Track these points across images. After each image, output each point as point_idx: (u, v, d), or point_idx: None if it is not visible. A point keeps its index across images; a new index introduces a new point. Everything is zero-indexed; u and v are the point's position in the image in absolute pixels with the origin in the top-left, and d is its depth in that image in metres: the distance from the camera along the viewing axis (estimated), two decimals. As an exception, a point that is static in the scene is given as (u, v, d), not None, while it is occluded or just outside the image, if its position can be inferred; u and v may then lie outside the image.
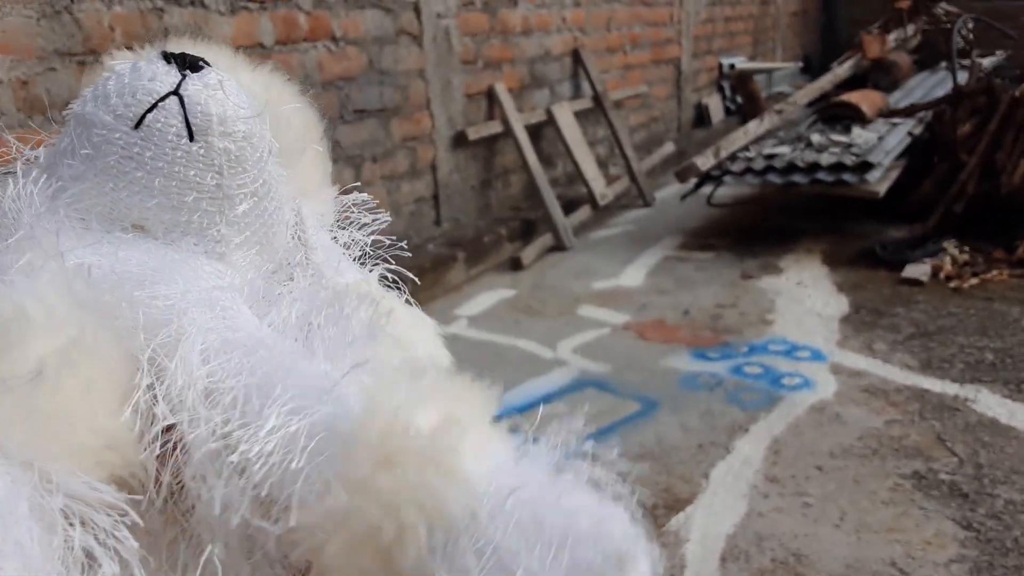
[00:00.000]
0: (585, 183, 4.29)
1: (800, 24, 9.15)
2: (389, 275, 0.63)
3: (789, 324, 3.05)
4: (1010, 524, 1.85)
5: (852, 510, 1.93)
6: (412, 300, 0.62)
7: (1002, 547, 1.77)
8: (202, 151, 0.49)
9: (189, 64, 0.49)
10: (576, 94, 4.73)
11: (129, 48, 0.60)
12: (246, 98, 0.51)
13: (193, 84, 0.50)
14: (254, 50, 2.72)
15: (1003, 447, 2.16)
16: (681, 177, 3.92)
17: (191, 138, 0.49)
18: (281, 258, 0.54)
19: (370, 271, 0.63)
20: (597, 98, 4.68)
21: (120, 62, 0.53)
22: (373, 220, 0.63)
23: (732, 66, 6.66)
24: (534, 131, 4.23)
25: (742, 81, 5.83)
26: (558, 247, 3.95)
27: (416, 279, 0.65)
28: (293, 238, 0.55)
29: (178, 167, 0.48)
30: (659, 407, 2.46)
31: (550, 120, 4.26)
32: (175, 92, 0.49)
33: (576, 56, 4.65)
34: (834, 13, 10.01)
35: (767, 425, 2.33)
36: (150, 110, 0.48)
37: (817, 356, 2.77)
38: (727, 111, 6.77)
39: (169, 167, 0.48)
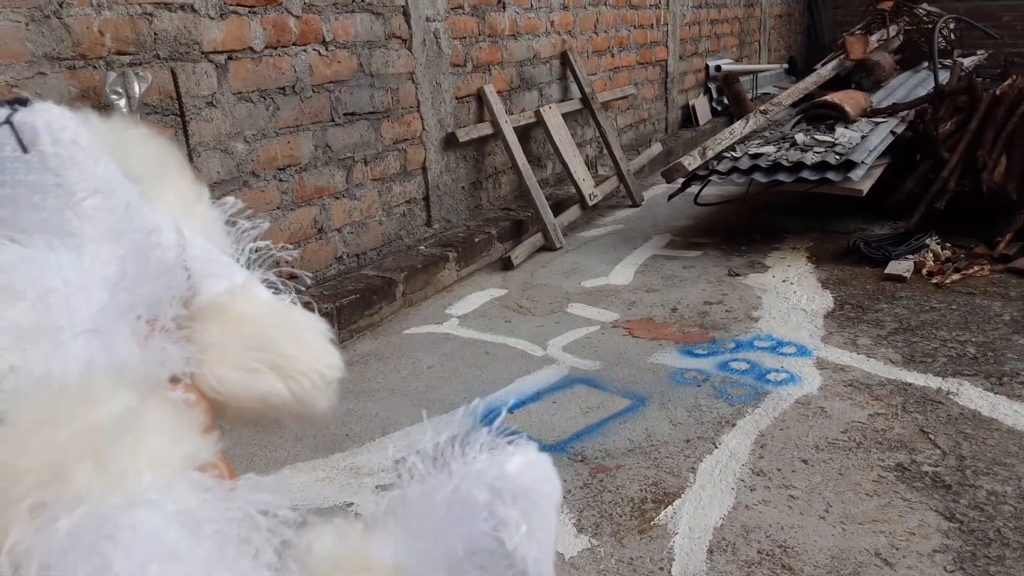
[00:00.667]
0: (574, 183, 4.33)
1: (785, 26, 9.24)
2: (280, 277, 0.64)
3: (775, 320, 3.09)
4: (992, 515, 1.89)
5: (837, 502, 1.97)
6: (309, 302, 0.64)
7: (984, 538, 1.82)
8: (36, 158, 0.56)
9: (18, 102, 0.57)
10: (564, 96, 4.77)
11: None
12: (70, 115, 0.58)
13: (20, 114, 0.57)
14: (244, 54, 2.74)
15: (985, 439, 2.21)
16: (668, 177, 3.96)
17: (24, 151, 0.56)
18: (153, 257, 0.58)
19: (259, 274, 0.65)
20: (585, 99, 4.73)
21: None
22: (253, 226, 0.67)
23: (718, 68, 6.72)
24: (523, 132, 4.27)
25: (728, 82, 5.88)
26: (548, 247, 3.98)
27: (307, 275, 0.68)
28: (172, 246, 0.59)
29: (19, 175, 0.56)
30: (648, 403, 2.50)
31: (539, 121, 4.30)
32: (6, 122, 0.56)
33: (564, 58, 4.69)
34: (818, 15, 10.12)
35: (753, 419, 2.37)
36: None
37: (802, 351, 2.81)
38: (714, 112, 6.84)
39: (12, 177, 0.56)
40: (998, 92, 4.34)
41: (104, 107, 2.22)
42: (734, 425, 2.35)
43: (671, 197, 4.40)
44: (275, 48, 2.86)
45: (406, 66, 3.48)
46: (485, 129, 3.93)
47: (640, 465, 2.17)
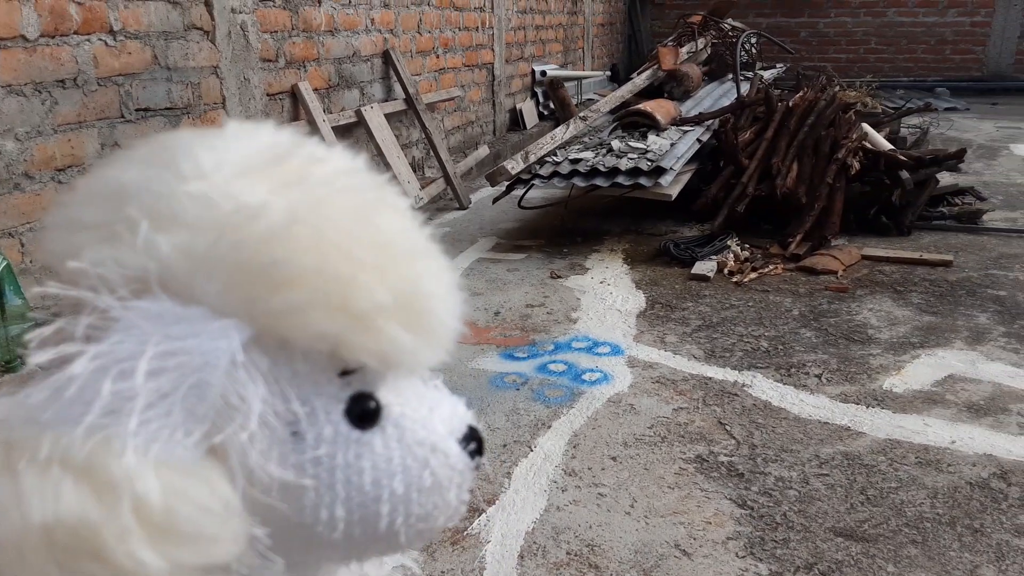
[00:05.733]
0: (399, 185, 4.24)
1: (607, 35, 9.65)
2: None
3: (592, 321, 3.19)
4: (779, 500, 2.03)
5: (642, 496, 2.04)
6: None
7: (772, 522, 1.94)
8: None
9: None
10: (388, 96, 4.68)
11: None
12: None
13: None
14: (15, 43, 2.44)
15: (774, 428, 2.38)
16: (492, 180, 3.99)
17: None
18: None
19: None
20: (410, 100, 4.66)
21: None
22: None
23: (544, 73, 6.89)
24: (343, 132, 4.14)
25: (553, 87, 6.02)
26: (371, 252, 3.88)
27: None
28: None
29: None
30: (468, 409, 2.48)
31: (360, 121, 4.18)
32: None
33: (387, 57, 4.60)
34: (638, 26, 10.67)
35: (568, 420, 2.42)
36: None
37: (616, 351, 2.91)
38: (541, 116, 7.00)
39: None
40: (791, 104, 4.74)
41: None
42: (550, 427, 2.39)
43: (496, 200, 4.44)
44: (53, 37, 2.57)
45: (209, 59, 3.26)
46: (301, 128, 3.76)
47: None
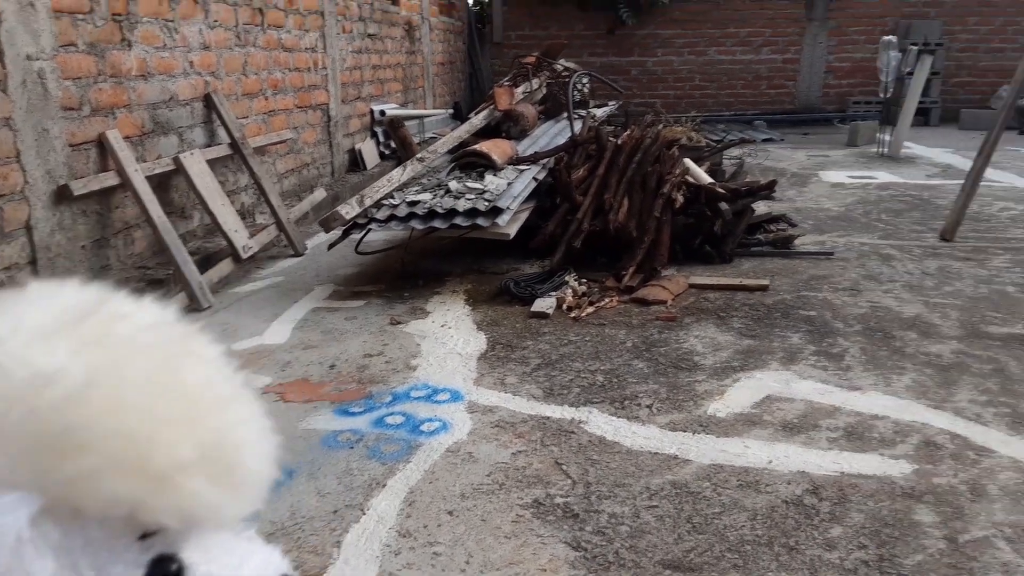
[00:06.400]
0: (225, 235, 4.05)
1: (448, 73, 9.78)
2: None
3: (432, 367, 3.14)
4: (612, 537, 2.05)
5: (477, 551, 2.00)
6: None
7: (605, 562, 1.96)
8: None
9: None
10: (211, 141, 4.47)
11: None
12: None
13: None
14: None
15: (608, 463, 2.41)
16: (325, 226, 3.88)
17: None
18: None
19: None
20: (235, 144, 4.47)
21: None
22: None
23: (383, 112, 6.85)
24: (161, 181, 3.90)
25: (393, 127, 5.99)
26: (194, 307, 3.66)
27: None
28: None
29: None
30: (296, 475, 2.36)
31: (180, 169, 3.96)
32: None
33: (208, 101, 4.40)
34: (478, 65, 10.90)
35: (404, 476, 2.35)
36: None
37: (456, 397, 2.88)
38: (382, 155, 6.95)
39: None
40: (620, 141, 4.96)
41: None
42: (384, 485, 2.31)
43: (331, 247, 4.32)
44: None
45: (1, 111, 2.98)
46: (109, 179, 3.50)
47: (282, 549, 2.01)
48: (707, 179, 4.82)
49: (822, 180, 7.33)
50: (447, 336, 3.47)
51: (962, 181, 5.24)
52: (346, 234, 4.17)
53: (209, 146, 4.38)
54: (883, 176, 7.48)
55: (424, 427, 2.65)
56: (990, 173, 7.13)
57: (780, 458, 2.41)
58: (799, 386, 2.91)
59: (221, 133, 4.50)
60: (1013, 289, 3.99)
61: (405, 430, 2.63)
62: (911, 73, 8.60)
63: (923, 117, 11.62)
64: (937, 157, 8.67)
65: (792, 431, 2.57)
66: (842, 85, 12.55)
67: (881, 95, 9.00)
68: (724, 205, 4.56)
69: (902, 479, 2.26)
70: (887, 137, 8.76)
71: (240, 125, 4.57)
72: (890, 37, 8.78)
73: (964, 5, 12.09)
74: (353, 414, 2.75)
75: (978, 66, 12.27)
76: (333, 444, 2.55)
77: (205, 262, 3.88)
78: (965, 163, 5.21)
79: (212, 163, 4.23)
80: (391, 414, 2.75)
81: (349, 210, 3.86)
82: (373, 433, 2.61)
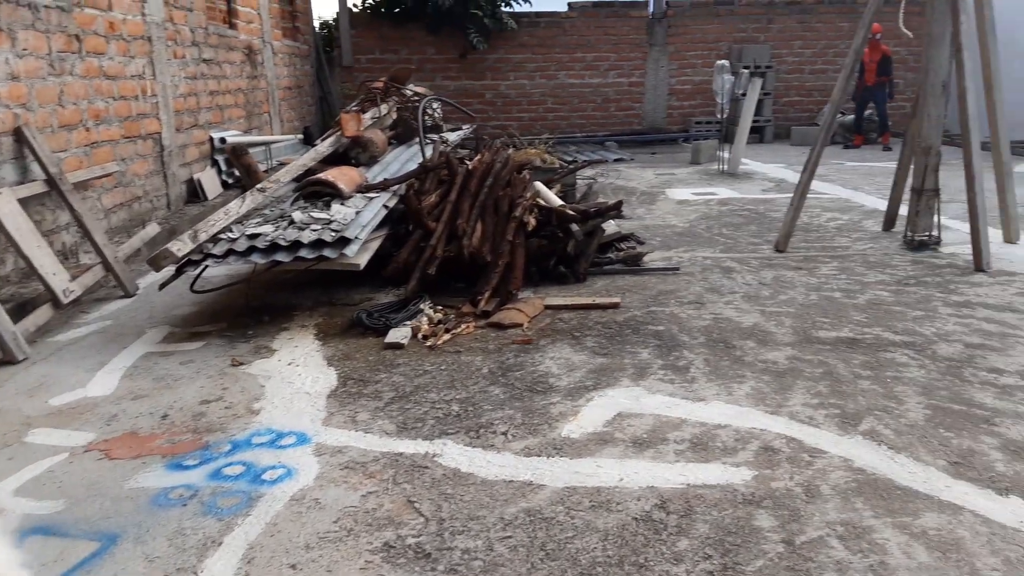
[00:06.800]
0: (42, 279, 3.68)
1: (295, 98, 9.49)
2: None
3: (277, 410, 2.97)
4: (465, 574, 1.98)
5: (322, 607, 1.88)
6: None
7: (456, 600, 1.88)
8: None
9: None
10: (24, 178, 4.07)
11: None
12: None
13: None
14: None
15: (462, 496, 2.35)
16: (155, 265, 3.61)
17: None
18: None
19: None
20: (52, 181, 4.10)
21: None
22: None
23: (223, 140, 6.54)
24: (-38, 224, 3.51)
25: (236, 154, 5.72)
26: (7, 360, 3.30)
27: None
28: None
29: None
30: (121, 540, 2.14)
31: (-15, 210, 3.58)
32: None
33: (19, 135, 4.01)
34: (328, 88, 10.68)
35: (243, 531, 2.19)
36: None
37: (302, 440, 2.73)
38: (225, 184, 6.62)
39: None
40: (471, 166, 4.96)
41: None
42: (221, 543, 2.13)
43: (163, 286, 4.03)
44: None
45: None
46: None
47: (97, 628, 1.81)
48: (557, 201, 4.90)
49: (669, 197, 7.66)
50: (294, 375, 3.30)
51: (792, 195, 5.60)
52: (180, 272, 3.90)
53: (22, 183, 3.99)
54: (723, 192, 7.93)
55: (266, 475, 2.49)
56: (818, 186, 7.73)
57: (630, 475, 2.43)
58: (648, 401, 2.97)
59: (36, 169, 4.11)
60: (840, 295, 4.28)
61: (245, 480, 2.46)
62: (744, 94, 9.20)
63: (758, 135, 12.49)
64: (771, 172, 9.30)
65: (642, 447, 2.61)
66: (684, 106, 13.27)
67: (718, 115, 9.57)
68: (575, 226, 4.64)
69: (743, 486, 2.34)
70: (726, 155, 9.32)
71: (57, 159, 4.20)
72: (723, 61, 9.37)
73: (790, 30, 13.12)
74: (187, 468, 2.54)
75: (805, 86, 13.33)
76: (164, 503, 2.34)
77: (20, 310, 3.51)
78: (796, 177, 5.59)
79: (26, 202, 3.85)
80: (230, 464, 2.56)
81: (181, 246, 3.62)
82: (209, 487, 2.42)
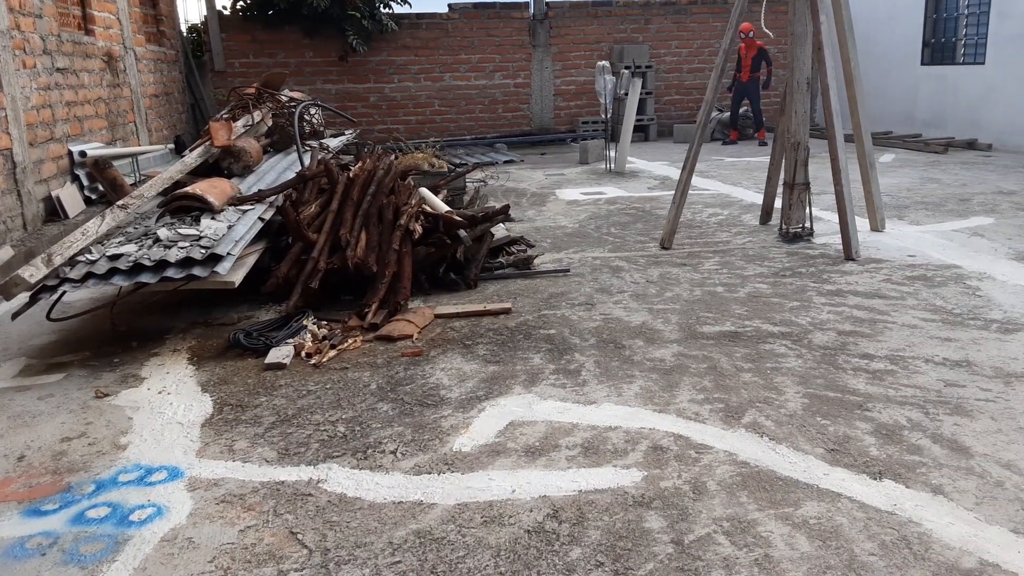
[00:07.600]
0: None
1: (164, 106, 8.98)
2: None
3: (147, 443, 2.76)
4: (352, 606, 1.88)
5: (194, 660, 1.74)
6: None
7: (344, 637, 1.78)
8: None
9: None
10: None
11: None
12: None
13: None
14: None
15: (348, 523, 2.24)
16: (5, 293, 3.30)
17: None
18: None
19: None
20: None
21: None
22: None
23: (83, 153, 6.10)
24: None
25: (98, 168, 5.37)
26: None
27: None
28: None
29: None
30: (-39, 606, 1.92)
31: None
32: None
33: None
34: (199, 94, 10.19)
35: (107, 582, 2.01)
36: None
37: (174, 474, 2.54)
38: (88, 201, 6.18)
39: None
40: (351, 174, 4.81)
41: None
42: (81, 598, 1.95)
43: (16, 316, 3.70)
44: None
45: None
46: None
47: None
48: (444, 207, 4.83)
49: (559, 198, 7.73)
50: (165, 404, 3.08)
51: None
52: (36, 299, 3.59)
53: None
54: (611, 191, 8.07)
55: (134, 516, 2.30)
56: (699, 182, 7.99)
57: (523, 485, 2.39)
58: (540, 407, 2.94)
59: None
60: (722, 289, 4.41)
61: (111, 523, 2.27)
62: (626, 94, 9.40)
63: (643, 133, 12.83)
64: (656, 170, 9.55)
65: (534, 455, 2.57)
66: (571, 107, 13.46)
67: (603, 115, 9.74)
68: (463, 232, 4.58)
69: (633, 488, 2.34)
70: (613, 154, 9.50)
71: None
72: (604, 62, 9.54)
73: (666, 30, 13.53)
74: (46, 513, 2.33)
75: (684, 84, 13.78)
76: (20, 554, 2.12)
77: None
78: (679, 174, 5.72)
79: None
80: (94, 506, 2.36)
81: (34, 272, 3.32)
82: (71, 532, 2.22)
